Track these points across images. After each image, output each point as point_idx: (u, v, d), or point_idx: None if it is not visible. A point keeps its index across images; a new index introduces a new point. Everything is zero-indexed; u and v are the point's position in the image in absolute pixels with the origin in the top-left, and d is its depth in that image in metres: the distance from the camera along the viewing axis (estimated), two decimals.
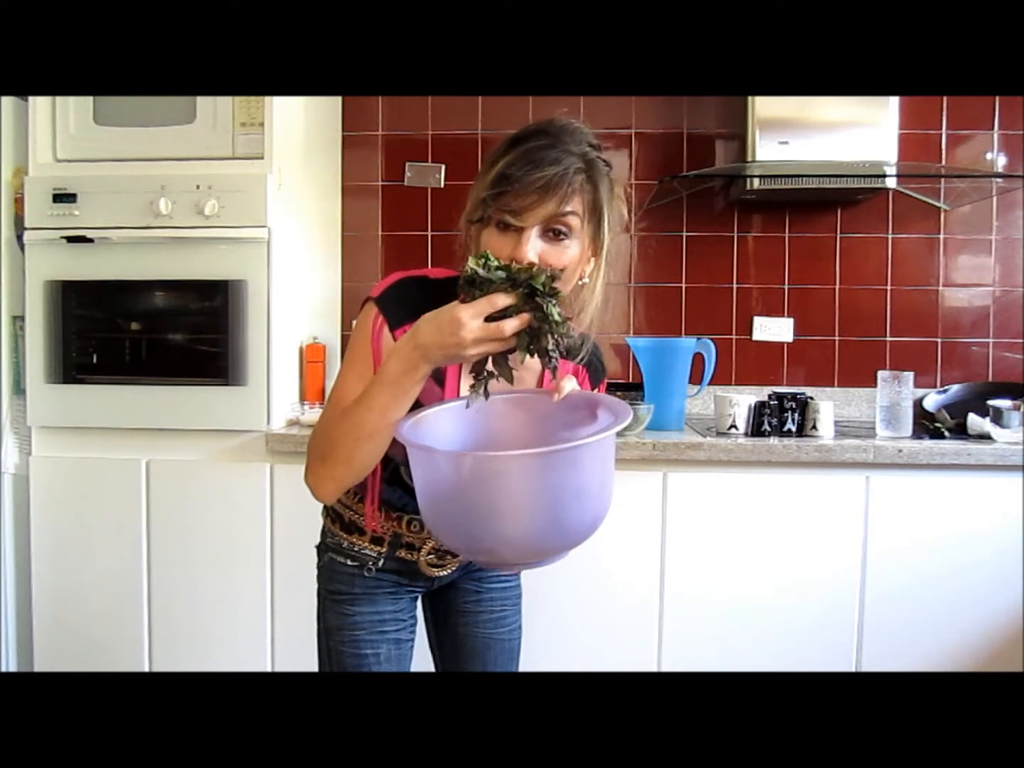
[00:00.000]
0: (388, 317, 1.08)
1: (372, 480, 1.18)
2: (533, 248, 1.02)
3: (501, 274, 0.94)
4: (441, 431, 1.03)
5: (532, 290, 0.92)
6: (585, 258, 1.07)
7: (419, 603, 1.36)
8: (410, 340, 0.97)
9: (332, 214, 2.40)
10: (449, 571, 1.29)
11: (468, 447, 1.05)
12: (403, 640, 1.28)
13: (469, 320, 0.92)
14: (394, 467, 1.20)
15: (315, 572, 1.31)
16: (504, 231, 1.02)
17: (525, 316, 0.92)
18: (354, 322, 1.15)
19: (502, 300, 0.92)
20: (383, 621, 1.25)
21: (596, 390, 1.25)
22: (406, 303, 1.08)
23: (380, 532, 1.23)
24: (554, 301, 0.93)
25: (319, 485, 1.09)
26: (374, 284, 1.13)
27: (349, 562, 1.25)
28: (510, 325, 0.92)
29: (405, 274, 1.14)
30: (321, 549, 1.31)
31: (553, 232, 1.03)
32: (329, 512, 1.30)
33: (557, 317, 0.93)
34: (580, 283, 1.09)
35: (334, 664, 1.26)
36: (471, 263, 0.94)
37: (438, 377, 1.12)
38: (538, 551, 0.99)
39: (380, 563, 1.25)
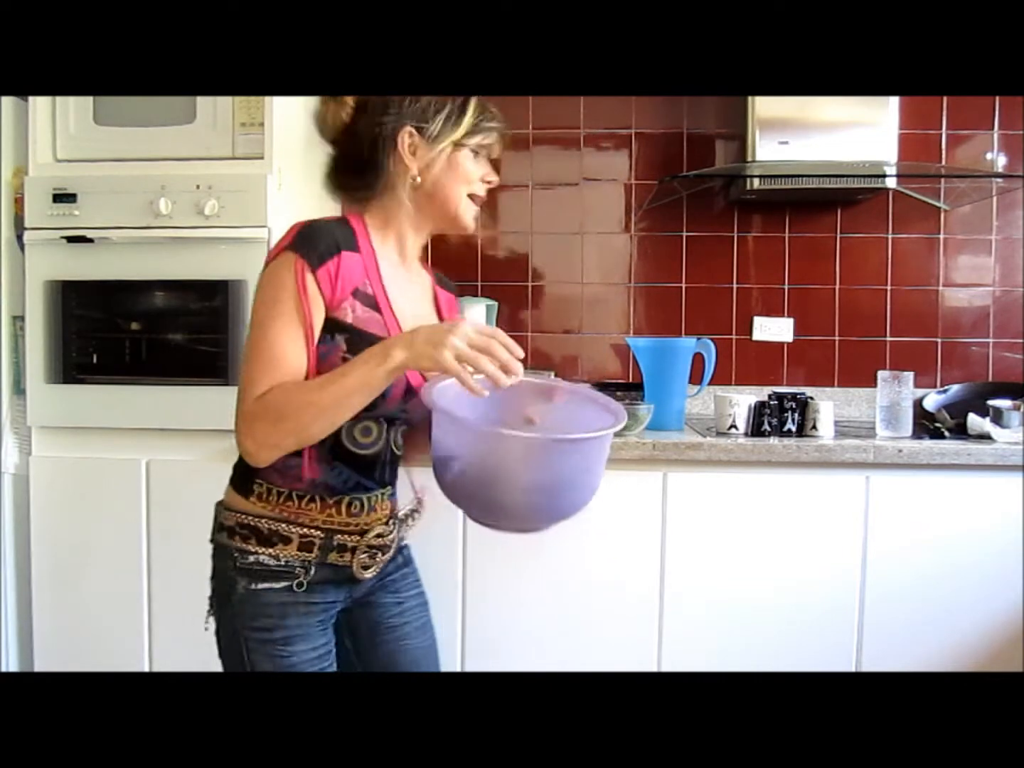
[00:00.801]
0: (309, 260, 1.07)
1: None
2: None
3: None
4: (460, 400, 1.07)
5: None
6: None
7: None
8: (406, 333, 1.02)
9: (332, 214, 2.39)
10: (373, 572, 1.22)
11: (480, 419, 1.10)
12: (334, 672, 1.20)
13: (469, 331, 0.97)
14: (334, 441, 1.13)
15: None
16: (476, 157, 1.19)
17: (498, 378, 0.97)
18: (257, 280, 1.11)
19: (501, 353, 0.97)
20: (320, 657, 1.14)
21: (452, 306, 1.35)
22: (324, 243, 1.09)
23: (315, 513, 1.15)
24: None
25: (261, 450, 1.06)
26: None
27: (275, 585, 1.12)
28: (487, 365, 0.96)
29: (303, 222, 1.13)
30: (227, 582, 1.16)
31: None
32: (236, 532, 1.16)
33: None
34: None
35: None
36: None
37: (373, 304, 1.14)
38: (551, 518, 1.07)
39: (311, 572, 1.13)
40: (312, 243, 1.08)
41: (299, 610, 1.13)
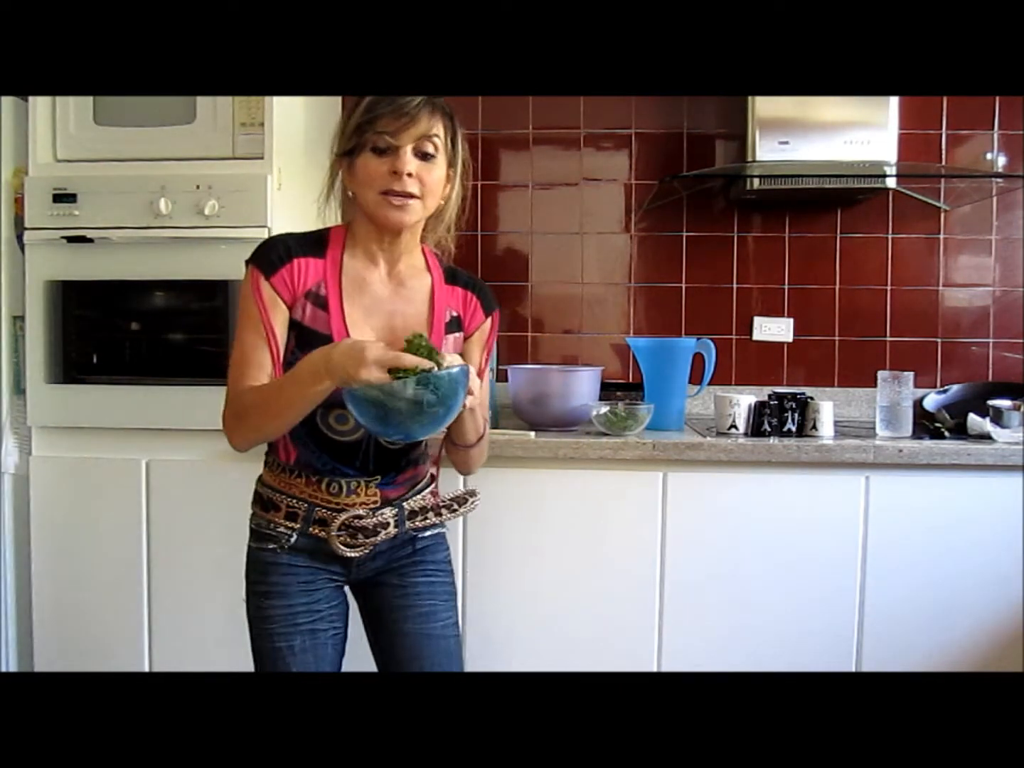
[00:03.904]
0: (262, 269, 1.22)
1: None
2: (411, 163, 1.19)
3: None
4: None
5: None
6: (447, 179, 1.26)
7: (348, 595, 1.38)
8: (325, 353, 1.11)
9: (332, 214, 2.39)
10: (363, 553, 1.29)
11: None
12: (320, 630, 1.30)
13: (372, 354, 1.06)
14: (311, 425, 1.25)
15: None
16: (381, 155, 1.19)
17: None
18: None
19: (408, 361, 1.07)
20: (295, 614, 1.28)
21: (489, 322, 1.39)
22: (275, 252, 1.23)
23: (297, 493, 1.28)
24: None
25: (233, 438, 1.23)
26: None
27: (266, 546, 1.29)
28: (408, 359, 1.08)
29: (277, 234, 1.29)
30: (249, 538, 1.34)
31: (423, 154, 1.20)
32: (254, 498, 1.35)
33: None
34: (442, 202, 1.28)
35: (255, 654, 1.31)
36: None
37: (322, 303, 1.25)
38: None
39: (292, 540, 1.28)
40: (264, 254, 1.23)
41: (280, 569, 1.29)
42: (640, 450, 1.79)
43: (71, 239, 1.90)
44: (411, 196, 1.20)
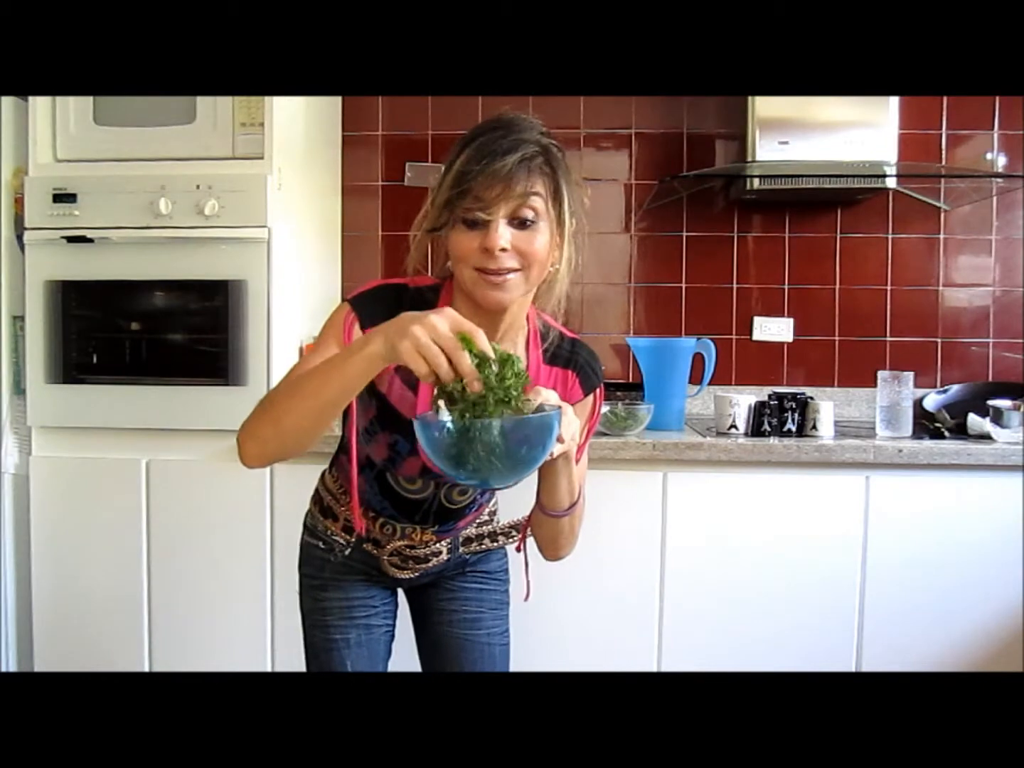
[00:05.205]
0: (360, 316, 1.08)
1: (351, 481, 1.22)
2: (503, 237, 1.02)
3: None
4: None
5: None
6: (554, 243, 1.08)
7: (400, 594, 1.39)
8: (388, 322, 0.92)
9: (332, 214, 2.39)
10: (412, 576, 1.30)
11: None
12: (375, 625, 1.31)
13: (435, 322, 0.86)
14: (380, 471, 1.22)
15: None
16: (472, 227, 1.03)
17: (473, 383, 0.87)
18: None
19: (466, 362, 0.86)
20: (352, 607, 1.30)
21: (591, 398, 1.22)
22: (380, 306, 1.08)
23: (360, 531, 1.25)
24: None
25: (244, 442, 1.02)
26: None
27: (320, 545, 1.30)
28: (461, 362, 0.86)
29: (384, 281, 1.15)
30: (303, 530, 1.35)
31: (520, 220, 1.03)
32: (315, 493, 1.35)
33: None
34: (552, 269, 1.10)
35: (308, 646, 1.32)
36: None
37: (412, 384, 1.12)
38: None
39: (347, 552, 1.29)
40: (369, 305, 1.09)
41: (336, 567, 1.30)
42: (640, 450, 1.79)
43: (71, 239, 1.90)
44: (510, 271, 1.04)
